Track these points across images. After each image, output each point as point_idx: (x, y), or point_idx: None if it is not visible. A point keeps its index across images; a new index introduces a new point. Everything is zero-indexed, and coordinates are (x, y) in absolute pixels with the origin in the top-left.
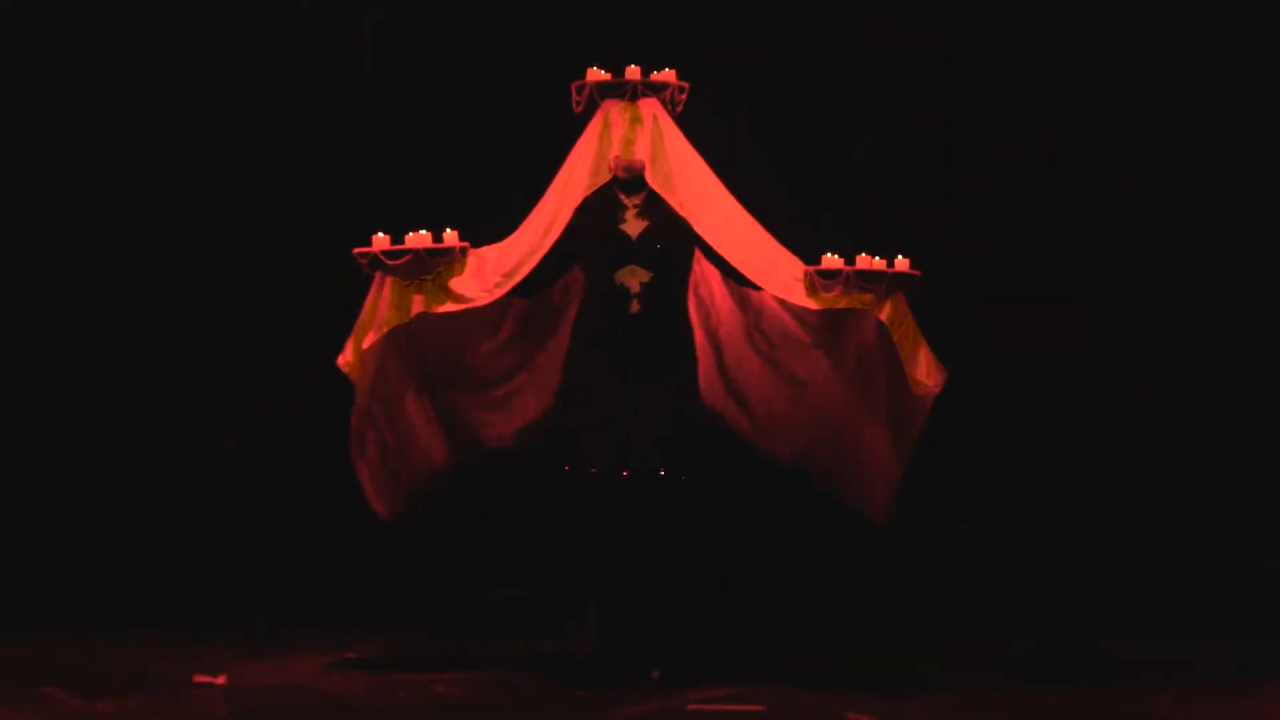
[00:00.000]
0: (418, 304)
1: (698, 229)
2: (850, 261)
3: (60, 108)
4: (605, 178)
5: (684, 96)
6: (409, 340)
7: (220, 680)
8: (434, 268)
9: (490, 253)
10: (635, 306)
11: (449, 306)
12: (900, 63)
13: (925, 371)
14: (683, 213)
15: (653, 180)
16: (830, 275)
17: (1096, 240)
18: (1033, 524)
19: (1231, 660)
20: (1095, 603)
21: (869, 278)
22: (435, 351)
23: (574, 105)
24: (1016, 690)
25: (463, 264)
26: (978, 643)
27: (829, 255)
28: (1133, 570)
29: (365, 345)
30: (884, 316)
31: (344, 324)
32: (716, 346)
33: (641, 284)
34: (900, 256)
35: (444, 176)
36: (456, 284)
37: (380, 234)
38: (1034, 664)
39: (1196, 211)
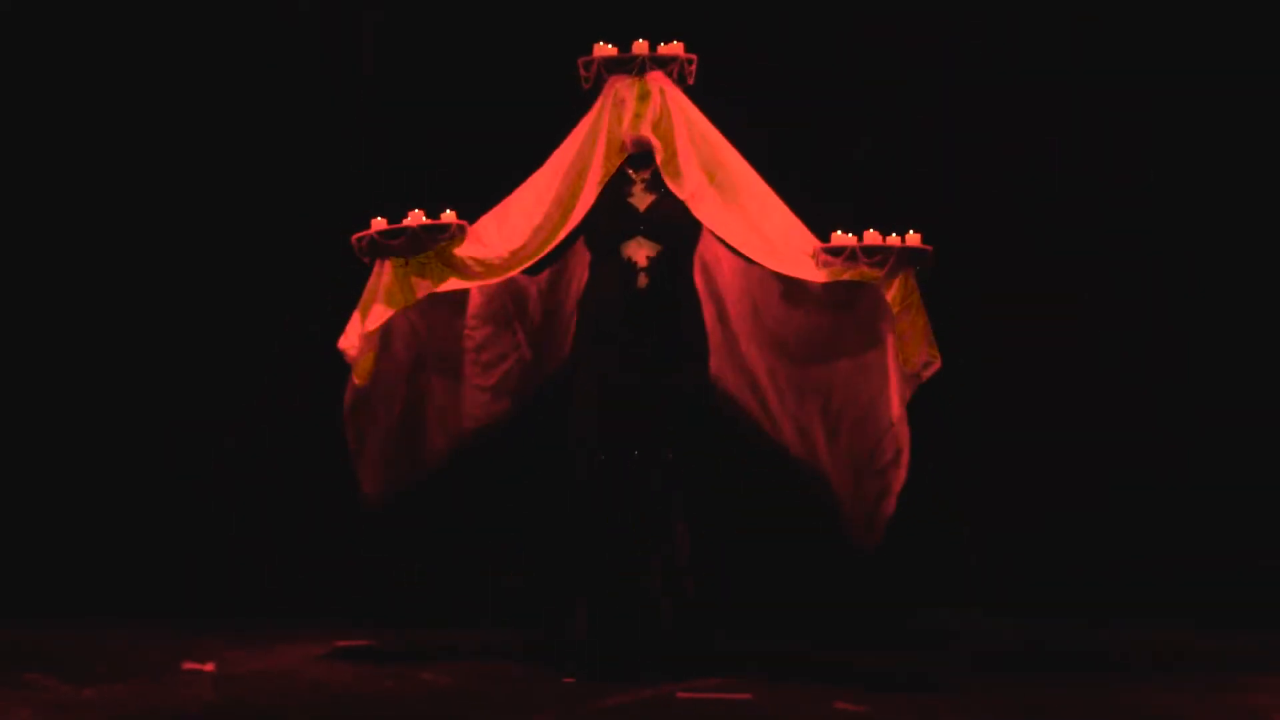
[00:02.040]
0: (421, 286)
1: (702, 213)
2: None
3: (59, 108)
4: (622, 156)
5: (693, 68)
6: (410, 321)
7: (209, 668)
8: (431, 245)
9: (488, 226)
10: (643, 280)
11: (453, 284)
12: (900, 62)
13: (922, 361)
14: (685, 199)
15: (659, 163)
16: (838, 251)
17: (1096, 240)
18: (1033, 524)
19: (1224, 654)
20: (1093, 602)
21: (876, 252)
22: (434, 330)
23: (583, 82)
24: (1008, 684)
25: (460, 240)
26: (971, 639)
27: (839, 233)
28: (1131, 568)
29: (370, 328)
30: (891, 294)
31: (343, 322)
32: (725, 323)
33: (649, 257)
34: (911, 231)
35: (442, 173)
36: (458, 259)
37: (378, 218)
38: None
39: (1196, 211)
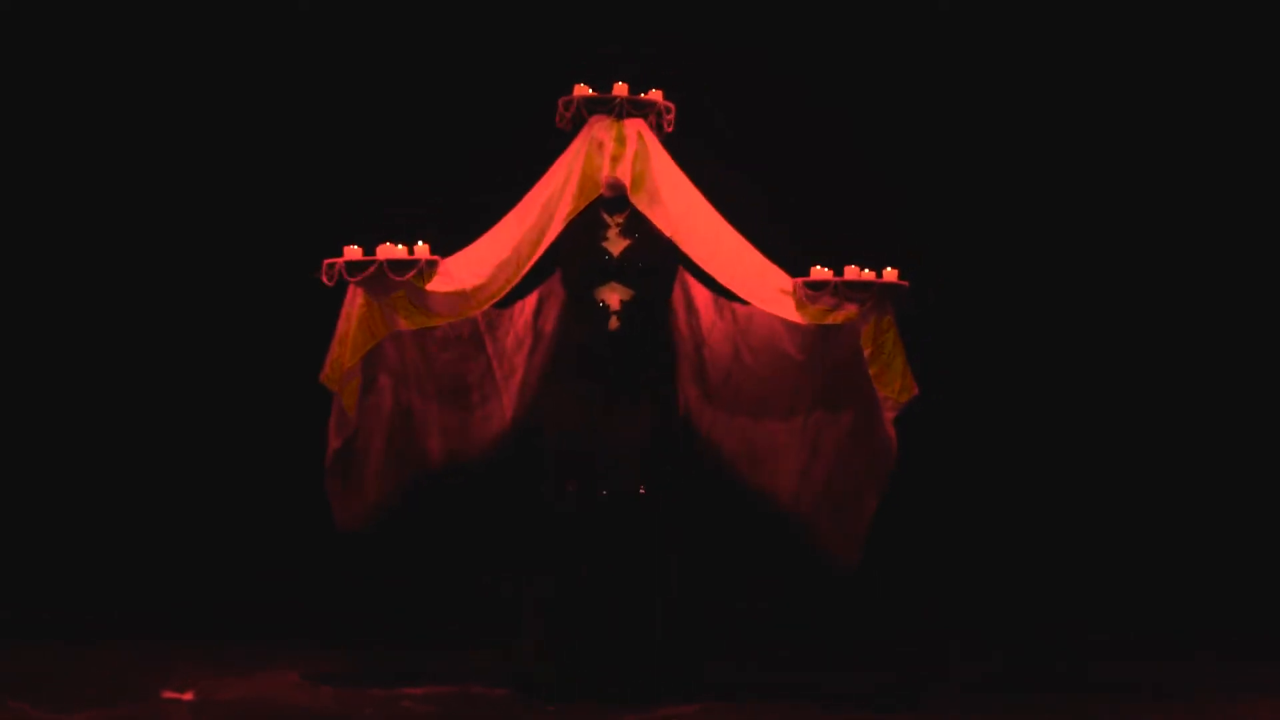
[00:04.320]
0: (394, 321)
1: (687, 246)
2: (839, 273)
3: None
4: (594, 194)
5: (671, 116)
6: (390, 352)
7: (188, 696)
8: (399, 284)
9: (458, 263)
10: (614, 324)
11: (421, 321)
12: (899, 62)
13: (899, 389)
14: (668, 231)
15: (637, 200)
16: (819, 286)
17: (1096, 240)
18: (1025, 533)
19: (1220, 679)
20: (1080, 619)
21: (857, 287)
22: (408, 361)
23: (558, 120)
24: (998, 707)
25: (430, 276)
26: (957, 657)
27: (818, 267)
28: (1119, 587)
29: (346, 364)
30: (869, 329)
31: (323, 335)
32: (702, 366)
33: (622, 301)
34: (889, 268)
35: (426, 192)
36: (427, 297)
37: (352, 245)
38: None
39: (1196, 211)
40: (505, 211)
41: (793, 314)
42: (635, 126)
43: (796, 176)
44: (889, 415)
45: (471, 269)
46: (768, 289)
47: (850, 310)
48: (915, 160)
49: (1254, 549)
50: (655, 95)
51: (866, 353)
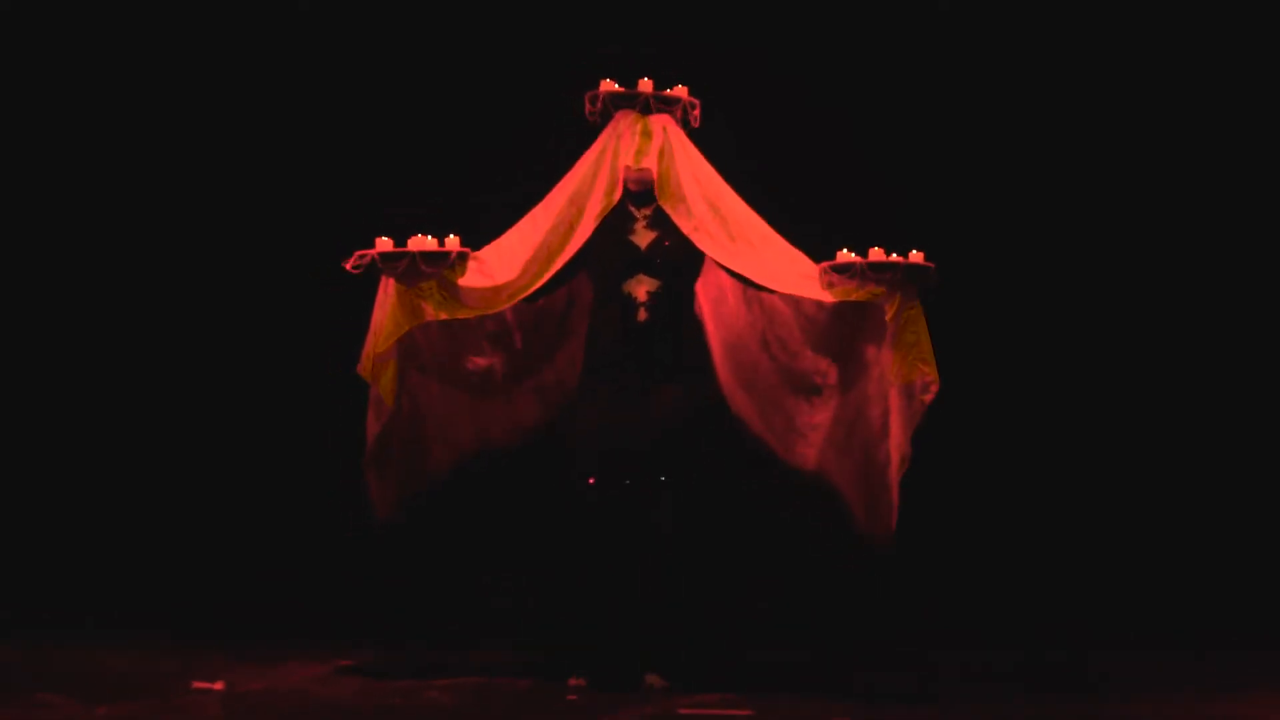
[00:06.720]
0: (424, 311)
1: (706, 245)
2: (864, 256)
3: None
4: (622, 191)
5: (697, 112)
6: (419, 343)
7: (218, 686)
8: (433, 274)
9: (490, 255)
10: (642, 315)
11: (453, 311)
12: (899, 61)
13: (921, 372)
14: (689, 232)
15: (661, 198)
16: (844, 269)
17: (1097, 240)
18: (1026, 532)
19: (1210, 670)
20: (1081, 613)
21: (882, 268)
22: (442, 353)
23: (589, 116)
24: (1001, 701)
25: (463, 268)
26: (962, 652)
27: (844, 251)
28: (1117, 581)
29: (377, 352)
30: (893, 311)
31: (343, 331)
32: (731, 354)
33: (649, 293)
34: (914, 250)
35: (426, 192)
36: (461, 290)
37: (383, 238)
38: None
39: (1194, 212)
40: (505, 211)
41: (819, 295)
42: (661, 122)
43: (796, 176)
44: (923, 395)
45: (503, 262)
46: (792, 275)
47: (875, 290)
48: (915, 160)
49: (1254, 548)
50: (680, 91)
51: (890, 332)
